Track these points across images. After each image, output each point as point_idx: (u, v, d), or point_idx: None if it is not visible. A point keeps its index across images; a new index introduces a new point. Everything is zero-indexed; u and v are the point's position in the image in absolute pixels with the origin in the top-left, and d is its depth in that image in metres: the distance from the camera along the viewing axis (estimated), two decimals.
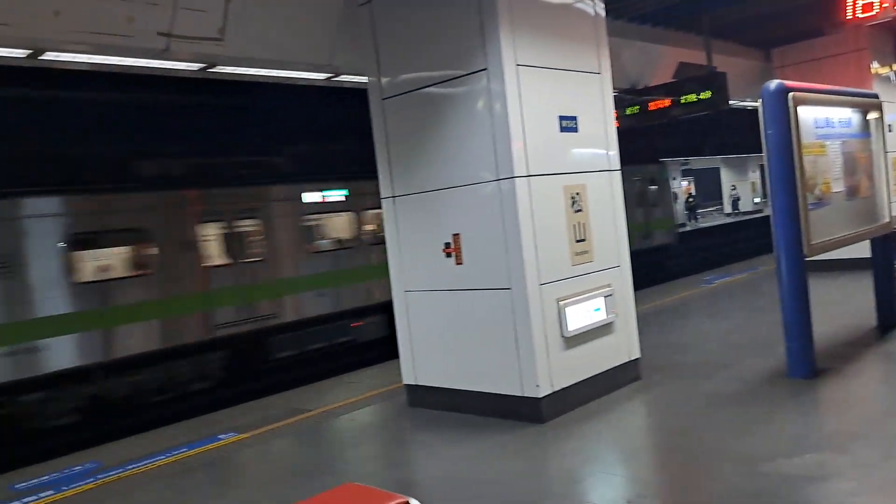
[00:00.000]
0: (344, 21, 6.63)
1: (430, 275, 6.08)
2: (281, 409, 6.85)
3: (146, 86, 9.95)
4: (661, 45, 10.93)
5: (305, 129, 13.48)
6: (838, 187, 6.46)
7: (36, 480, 5.49)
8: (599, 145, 6.17)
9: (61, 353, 8.75)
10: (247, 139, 13.00)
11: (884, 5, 9.26)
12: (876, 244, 7.08)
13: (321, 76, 7.55)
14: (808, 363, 5.80)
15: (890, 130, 10.65)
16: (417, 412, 6.27)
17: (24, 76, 8.46)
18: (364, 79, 6.41)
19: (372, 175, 6.57)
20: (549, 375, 5.48)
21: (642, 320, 6.77)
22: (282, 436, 6.06)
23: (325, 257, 11.98)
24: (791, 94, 5.66)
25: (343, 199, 12.32)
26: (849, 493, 3.72)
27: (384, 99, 6.24)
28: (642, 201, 18.61)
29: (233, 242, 10.75)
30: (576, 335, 5.69)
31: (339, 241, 12.37)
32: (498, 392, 5.68)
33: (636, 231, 17.55)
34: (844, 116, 6.69)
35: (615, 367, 6.12)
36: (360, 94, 6.80)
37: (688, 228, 28.17)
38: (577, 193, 5.85)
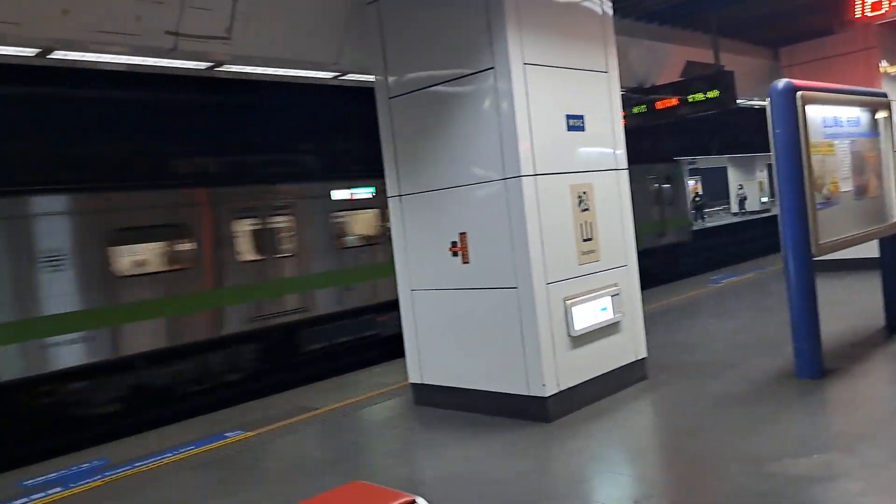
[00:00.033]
0: (351, 20, 6.64)
1: (436, 273, 6.08)
2: (293, 406, 6.87)
3: (200, 87, 10.13)
4: (669, 44, 10.89)
5: (336, 127, 13.53)
6: (847, 187, 6.43)
7: (43, 477, 5.52)
8: (606, 144, 6.16)
9: (104, 344, 8.94)
10: (280, 138, 13.08)
11: (893, 3, 9.20)
12: (884, 244, 7.05)
13: (328, 75, 7.55)
14: (815, 363, 5.78)
15: None
16: (424, 410, 6.27)
17: (73, 77, 8.52)
18: (372, 78, 6.42)
19: None
20: (555, 374, 5.48)
21: (649, 320, 6.76)
22: (294, 432, 6.08)
23: (353, 253, 12.14)
24: (799, 93, 5.64)
25: (370, 196, 12.45)
26: (856, 494, 3.70)
27: (391, 98, 6.25)
28: (659, 199, 18.76)
29: (265, 238, 10.90)
30: (582, 334, 5.69)
31: (366, 237, 12.50)
32: (504, 391, 5.68)
33: (652, 229, 17.64)
34: (853, 115, 6.66)
35: (622, 367, 6.11)
36: None
37: (695, 228, 28.10)
38: (584, 192, 5.84)
